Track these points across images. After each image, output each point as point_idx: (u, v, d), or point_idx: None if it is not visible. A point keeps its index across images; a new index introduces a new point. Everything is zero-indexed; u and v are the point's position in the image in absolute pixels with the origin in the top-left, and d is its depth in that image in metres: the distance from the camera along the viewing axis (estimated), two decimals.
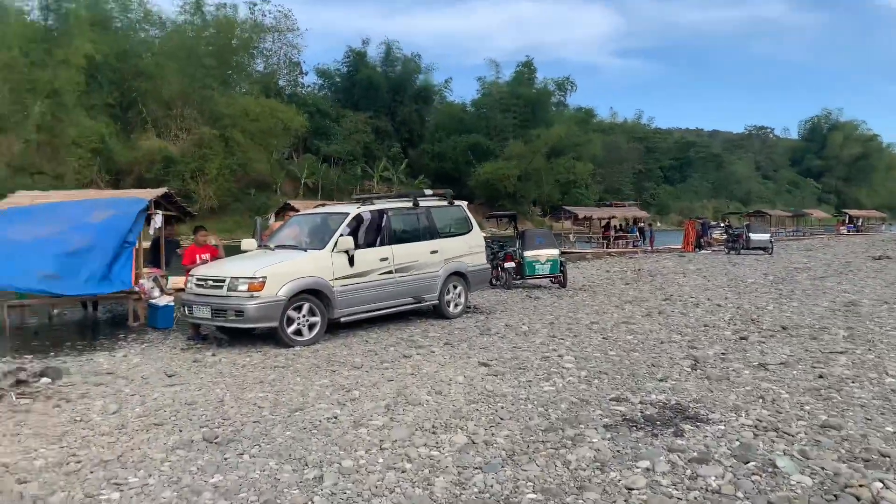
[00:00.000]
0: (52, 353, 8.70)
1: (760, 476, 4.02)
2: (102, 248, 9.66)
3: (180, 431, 5.18)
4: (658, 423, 5.13)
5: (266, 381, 6.76)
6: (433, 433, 5.04)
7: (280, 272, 8.53)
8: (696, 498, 3.76)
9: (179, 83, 48.93)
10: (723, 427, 4.99)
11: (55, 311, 12.25)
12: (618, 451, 4.52)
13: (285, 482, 4.12)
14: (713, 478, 4.01)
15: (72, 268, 9.43)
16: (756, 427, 4.96)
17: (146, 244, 13.92)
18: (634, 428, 5.02)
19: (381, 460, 4.48)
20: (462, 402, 5.85)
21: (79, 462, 4.55)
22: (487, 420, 5.32)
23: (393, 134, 63.67)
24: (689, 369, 6.92)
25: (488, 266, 11.79)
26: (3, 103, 42.18)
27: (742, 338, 8.59)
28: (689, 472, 4.12)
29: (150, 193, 11.70)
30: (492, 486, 4.00)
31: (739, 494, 3.78)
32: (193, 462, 4.50)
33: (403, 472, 4.28)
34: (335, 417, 5.44)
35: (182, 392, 6.39)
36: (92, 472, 4.36)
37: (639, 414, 5.38)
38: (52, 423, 5.48)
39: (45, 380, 6.93)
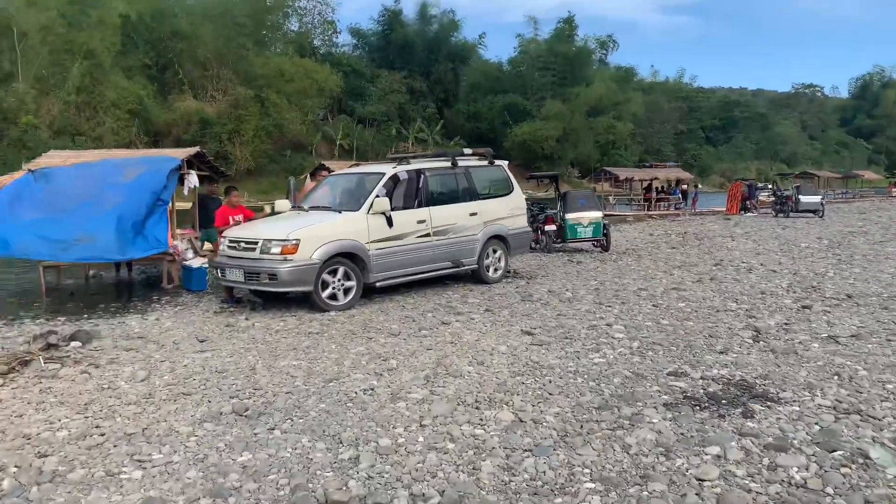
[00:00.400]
0: (85, 316, 8.56)
1: (850, 468, 3.55)
2: (135, 204, 9.41)
3: (209, 402, 4.91)
4: (723, 401, 4.68)
5: (300, 347, 6.47)
6: (476, 409, 4.68)
7: (314, 234, 8.19)
8: (777, 493, 3.32)
9: (214, 43, 48.69)
10: (797, 408, 4.52)
11: (91, 272, 12.19)
12: (682, 434, 4.09)
13: (318, 462, 3.80)
14: (795, 469, 3.56)
15: (106, 227, 9.19)
16: (836, 409, 4.47)
17: (182, 204, 13.78)
18: (698, 407, 4.58)
19: (421, 439, 4.13)
20: (506, 374, 5.47)
21: (102, 434, 4.30)
22: (535, 395, 4.93)
23: (428, 94, 62.75)
24: (750, 341, 6.42)
25: (529, 229, 11.29)
26: (42, 65, 42.56)
27: (805, 307, 8.01)
28: (766, 461, 3.68)
29: (183, 152, 11.43)
30: (544, 473, 3.62)
31: (829, 490, 3.33)
32: (221, 437, 4.21)
33: (446, 453, 3.92)
34: (372, 389, 5.11)
35: (213, 359, 6.13)
36: (115, 447, 4.10)
37: (701, 391, 4.93)
38: (79, 390, 5.26)
39: (75, 343, 6.75)
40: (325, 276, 8.21)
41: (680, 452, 3.82)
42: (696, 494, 3.32)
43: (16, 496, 3.47)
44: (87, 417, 4.64)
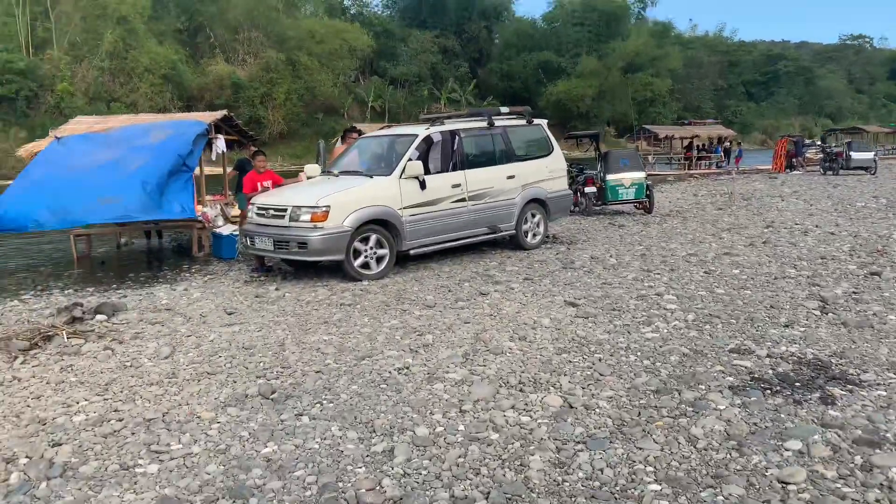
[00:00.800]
0: (113, 286, 8.36)
1: None
2: (159, 166, 9.14)
3: (234, 383, 4.60)
4: (797, 384, 4.20)
5: (331, 321, 6.13)
6: (521, 391, 4.28)
7: (345, 201, 7.80)
8: (878, 501, 2.86)
9: (245, 5, 48.19)
10: (884, 392, 4.02)
11: (123, 240, 12.04)
12: (755, 424, 3.64)
13: (349, 456, 3.45)
14: (895, 470, 3.09)
15: (130, 189, 8.94)
16: None
17: (211, 169, 13.50)
18: (769, 391, 4.11)
19: (461, 428, 3.75)
20: (551, 350, 5.05)
21: (121, 419, 4.02)
22: (584, 376, 4.52)
23: (460, 53, 61.52)
24: (817, 312, 5.88)
25: (570, 192, 10.71)
26: (76, 31, 42.60)
27: (873, 273, 7.40)
28: (858, 459, 3.21)
29: (210, 116, 11.10)
30: (601, 471, 3.22)
31: None
32: (245, 424, 3.89)
33: (489, 445, 3.54)
34: (407, 368, 4.75)
35: (240, 333, 5.83)
36: (133, 434, 3.81)
37: (770, 371, 4.45)
38: (100, 368, 5.00)
39: (100, 317, 6.52)
40: (357, 244, 7.84)
41: (755, 447, 3.38)
42: (781, 502, 2.88)
43: (22, 493, 3.19)
44: (107, 400, 4.37)
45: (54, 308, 6.96)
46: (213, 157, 11.47)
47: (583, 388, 4.28)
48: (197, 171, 10.24)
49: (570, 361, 4.80)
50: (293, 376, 4.69)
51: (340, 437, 3.68)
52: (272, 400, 4.26)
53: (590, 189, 13.50)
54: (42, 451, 3.63)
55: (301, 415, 4.01)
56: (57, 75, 39.90)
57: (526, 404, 4.07)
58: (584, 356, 4.90)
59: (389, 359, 4.96)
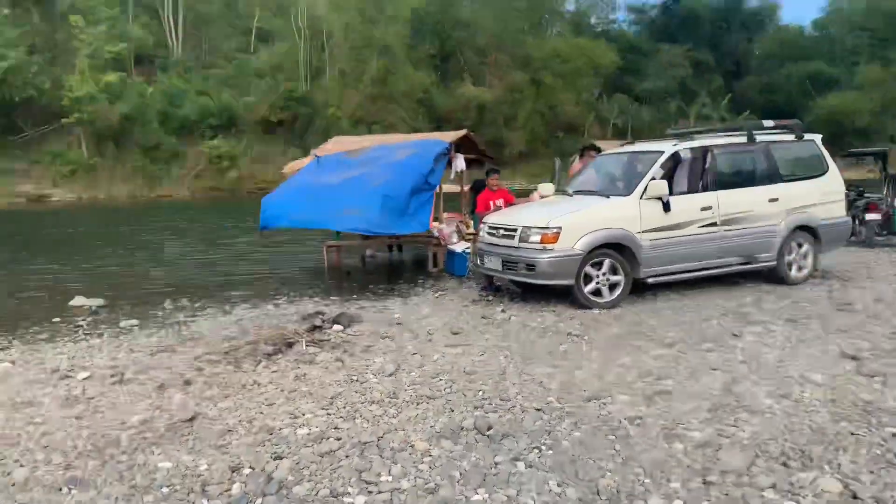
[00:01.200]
0: (354, 296, 8.79)
1: None
2: (400, 183, 9.50)
3: (451, 411, 4.37)
4: None
5: (556, 352, 5.70)
6: (784, 466, 3.47)
7: (577, 222, 7.34)
8: None
9: (493, 29, 50.10)
10: None
11: (368, 252, 12.79)
12: None
13: None
14: None
15: (372, 203, 9.37)
16: None
17: (450, 187, 13.88)
18: None
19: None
20: (825, 416, 4.09)
21: (339, 439, 3.97)
22: (871, 455, 3.55)
23: (714, 67, 57.78)
24: None
25: (847, 219, 9.07)
26: (345, 60, 47.54)
27: None
28: None
29: (452, 136, 11.38)
30: None
31: None
32: (458, 462, 3.61)
33: None
34: (640, 418, 4.14)
35: (463, 356, 5.64)
36: (347, 457, 3.72)
37: None
38: (329, 380, 5.10)
39: (337, 327, 6.79)
40: (588, 269, 7.32)
41: None
42: None
43: None
44: (330, 415, 4.39)
45: (300, 315, 7.43)
46: (452, 176, 11.71)
47: (871, 473, 3.35)
48: (437, 188, 10.49)
49: (853, 433, 3.83)
50: (512, 411, 4.34)
51: (559, 495, 3.23)
52: (488, 437, 3.94)
53: (872, 216, 11.45)
54: (265, 462, 3.68)
55: (517, 459, 3.63)
56: (328, 101, 44.80)
57: (791, 484, 3.27)
58: (872, 428, 3.89)
59: (619, 404, 4.39)
